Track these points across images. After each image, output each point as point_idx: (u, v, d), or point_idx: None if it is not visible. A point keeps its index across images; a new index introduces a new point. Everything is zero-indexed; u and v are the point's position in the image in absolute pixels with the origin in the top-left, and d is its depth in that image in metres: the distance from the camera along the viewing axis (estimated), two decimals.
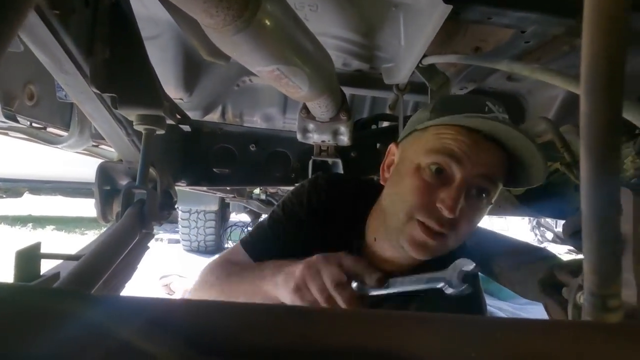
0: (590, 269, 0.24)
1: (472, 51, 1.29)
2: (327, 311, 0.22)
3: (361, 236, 1.00)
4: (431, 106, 0.88)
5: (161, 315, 0.20)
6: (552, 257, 0.87)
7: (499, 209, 1.74)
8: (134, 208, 0.77)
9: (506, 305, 3.76)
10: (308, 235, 1.02)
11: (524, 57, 1.25)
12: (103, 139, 1.59)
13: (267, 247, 1.04)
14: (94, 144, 1.60)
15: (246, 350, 0.20)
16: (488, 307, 1.44)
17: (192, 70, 1.57)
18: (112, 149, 1.88)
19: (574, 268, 0.70)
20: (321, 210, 1.05)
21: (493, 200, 0.85)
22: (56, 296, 0.19)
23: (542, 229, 7.58)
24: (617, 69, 0.20)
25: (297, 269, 0.79)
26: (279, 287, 0.82)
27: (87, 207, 6.80)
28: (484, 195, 0.81)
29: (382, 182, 0.96)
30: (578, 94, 0.60)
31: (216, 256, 1.15)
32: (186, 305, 0.22)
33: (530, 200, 1.48)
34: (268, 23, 0.70)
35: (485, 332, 0.22)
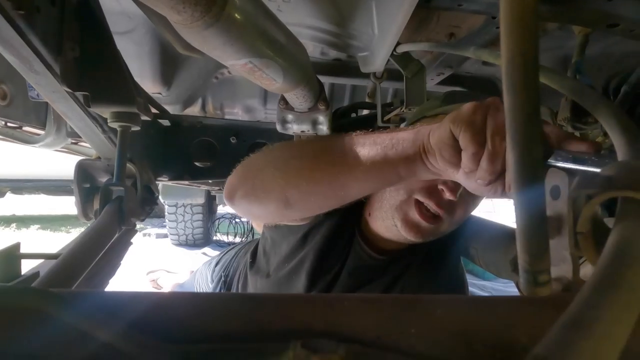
0: (522, 248, 0.27)
1: (447, 37, 1.31)
2: (275, 297, 0.24)
3: (359, 209, 1.03)
4: (442, 97, 0.90)
5: (121, 306, 0.22)
6: None
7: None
8: (112, 205, 0.77)
9: (490, 285, 3.85)
10: None
11: (496, 42, 1.27)
12: (80, 136, 1.58)
13: None
14: (73, 141, 1.59)
15: (200, 336, 0.21)
16: (471, 288, 1.48)
17: (169, 64, 1.56)
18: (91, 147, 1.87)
19: None
20: None
21: None
22: (20, 294, 0.20)
23: None
24: (533, 68, 0.22)
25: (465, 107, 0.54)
26: (433, 132, 0.57)
27: (72, 205, 6.70)
28: None
29: None
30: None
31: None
32: (150, 297, 0.23)
33: None
34: (237, 17, 0.71)
35: (426, 309, 0.24)
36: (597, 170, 0.35)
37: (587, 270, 0.30)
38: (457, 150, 0.53)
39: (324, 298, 0.24)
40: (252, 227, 5.27)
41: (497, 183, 0.53)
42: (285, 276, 1.04)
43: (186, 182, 1.62)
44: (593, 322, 0.16)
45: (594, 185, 0.24)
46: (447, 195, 0.80)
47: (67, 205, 7.01)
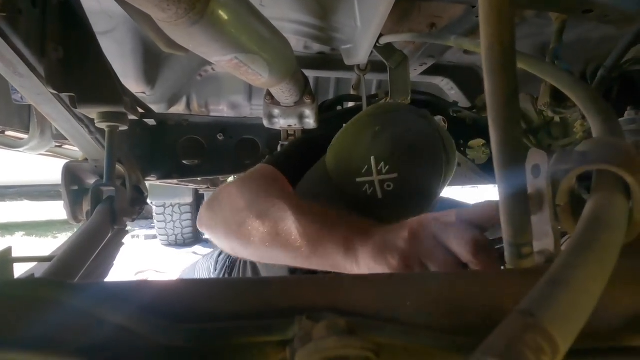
0: (505, 223, 0.28)
1: (428, 28, 1.33)
2: (279, 279, 0.26)
3: None
4: (376, 111, 0.93)
5: (132, 294, 0.23)
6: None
7: (465, 179, 1.81)
8: (104, 205, 0.77)
9: None
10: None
11: (476, 31, 1.29)
12: (66, 139, 1.56)
13: (295, 165, 0.97)
14: (57, 144, 1.57)
15: (209, 317, 0.23)
16: None
17: (152, 63, 1.55)
18: (77, 149, 1.84)
19: None
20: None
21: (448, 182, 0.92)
22: (42, 285, 0.21)
23: None
24: (510, 53, 0.24)
25: (399, 238, 0.57)
26: (366, 262, 0.60)
27: (57, 210, 6.59)
28: None
29: None
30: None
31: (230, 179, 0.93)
32: (156, 285, 0.24)
33: (491, 169, 1.55)
34: (221, 13, 0.71)
35: (419, 284, 0.26)
36: None
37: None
38: (405, 260, 0.55)
39: (324, 279, 0.26)
40: None
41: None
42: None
43: (175, 181, 1.61)
44: (571, 279, 0.18)
45: (571, 161, 0.25)
46: None
47: (52, 210, 6.89)
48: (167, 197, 4.17)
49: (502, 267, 0.42)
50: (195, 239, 5.07)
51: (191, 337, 0.21)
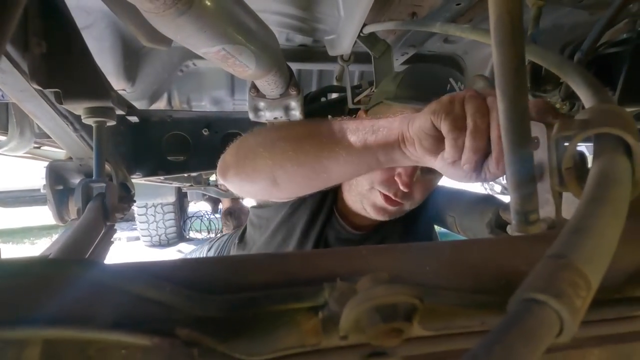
0: (513, 191, 0.30)
1: (409, 17, 1.34)
2: (298, 252, 0.26)
3: (338, 187, 1.06)
4: (398, 80, 0.93)
5: (162, 271, 0.23)
6: (496, 201, 0.96)
7: None
8: (95, 202, 0.76)
9: None
10: None
11: (457, 20, 1.32)
12: (45, 138, 1.52)
13: None
14: (35, 145, 1.53)
15: (238, 289, 0.23)
16: None
17: (131, 59, 1.52)
18: (57, 150, 1.80)
19: None
20: None
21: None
22: (77, 264, 0.21)
23: (490, 182, 8.05)
24: (518, 24, 0.25)
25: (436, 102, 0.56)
26: (413, 121, 0.58)
27: (34, 216, 6.41)
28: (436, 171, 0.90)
29: None
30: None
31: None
32: (184, 262, 0.25)
33: None
34: (209, 3, 0.71)
35: (435, 251, 0.27)
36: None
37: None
38: (437, 140, 0.55)
39: (342, 250, 0.27)
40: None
41: (481, 167, 0.55)
42: (274, 251, 1.06)
43: (161, 178, 1.59)
44: (592, 226, 0.19)
45: (574, 128, 0.27)
46: (401, 187, 0.86)
47: (28, 216, 6.69)
48: (149, 197, 4.10)
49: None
50: (180, 238, 5.01)
51: (224, 306, 0.22)
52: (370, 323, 0.19)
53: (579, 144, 0.28)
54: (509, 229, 0.81)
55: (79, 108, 0.79)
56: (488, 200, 0.99)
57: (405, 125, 0.59)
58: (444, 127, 0.52)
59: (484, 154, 0.53)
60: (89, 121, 0.81)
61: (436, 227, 1.22)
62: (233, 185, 0.84)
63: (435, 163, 0.60)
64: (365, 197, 0.95)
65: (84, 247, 0.64)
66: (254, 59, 0.93)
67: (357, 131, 0.64)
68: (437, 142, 0.55)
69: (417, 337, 0.21)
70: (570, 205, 0.34)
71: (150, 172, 1.43)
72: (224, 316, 0.21)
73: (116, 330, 0.20)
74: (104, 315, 0.21)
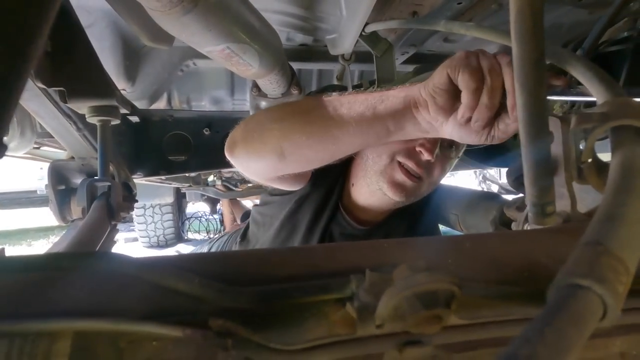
0: (530, 183, 0.30)
1: (410, 16, 1.35)
2: (322, 246, 0.26)
3: (344, 182, 1.06)
4: (412, 72, 0.94)
5: (189, 264, 0.23)
6: (500, 199, 0.97)
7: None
8: (100, 201, 0.76)
9: None
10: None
11: (457, 19, 1.32)
12: (44, 139, 1.51)
13: None
14: (35, 146, 1.52)
15: (266, 281, 0.23)
16: None
17: (132, 59, 1.51)
18: (56, 150, 1.79)
19: (520, 204, 0.79)
20: None
21: (460, 154, 0.94)
22: (106, 258, 0.21)
23: (487, 182, 8.08)
24: (539, 18, 0.25)
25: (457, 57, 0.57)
26: (426, 82, 0.59)
27: (30, 217, 6.38)
28: (453, 147, 0.90)
29: None
30: (509, 46, 0.66)
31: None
32: (209, 255, 0.25)
33: (476, 153, 1.59)
34: (214, 2, 0.71)
35: (456, 243, 0.27)
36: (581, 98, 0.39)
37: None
38: (452, 96, 0.55)
39: (365, 243, 0.27)
40: (222, 221, 5.21)
41: (490, 126, 0.56)
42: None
43: (163, 178, 1.59)
44: (622, 215, 0.20)
45: (593, 121, 0.27)
46: (425, 155, 0.87)
47: (24, 218, 6.66)
48: (147, 198, 4.09)
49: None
50: (178, 238, 5.00)
51: (253, 298, 0.22)
52: (411, 310, 0.19)
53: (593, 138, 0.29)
54: (513, 226, 0.81)
55: (83, 107, 0.79)
56: (491, 198, 0.99)
57: (416, 90, 0.60)
58: (462, 80, 0.52)
59: (495, 112, 0.53)
60: (94, 120, 0.81)
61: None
62: (240, 162, 0.84)
63: (446, 127, 0.60)
64: (384, 174, 0.93)
65: (90, 246, 0.64)
66: (257, 57, 0.93)
67: (366, 101, 0.65)
68: (451, 99, 0.56)
69: (450, 325, 0.21)
70: (581, 199, 0.35)
71: (152, 172, 1.43)
72: (253, 308, 0.21)
73: (147, 322, 0.20)
74: (132, 308, 0.21)
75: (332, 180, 1.05)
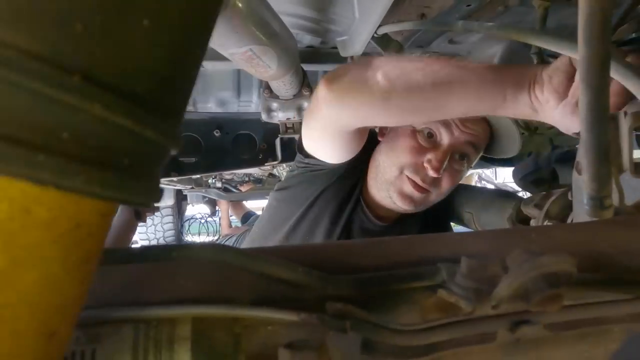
0: (589, 178, 0.32)
1: (418, 18, 1.37)
2: (399, 238, 0.28)
3: (366, 178, 1.07)
4: None
5: (285, 254, 0.24)
6: (515, 196, 0.99)
7: None
8: None
9: None
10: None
11: (465, 20, 1.34)
12: None
13: None
14: None
15: (357, 269, 0.24)
16: None
17: None
18: None
19: (538, 202, 0.80)
20: None
21: (473, 165, 0.96)
22: (222, 250, 0.22)
23: (483, 182, 8.15)
24: (608, 22, 0.27)
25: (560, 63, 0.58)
26: (548, 66, 0.60)
27: None
28: (465, 159, 0.92)
29: (379, 138, 1.03)
30: (532, 44, 0.68)
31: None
32: (299, 247, 0.26)
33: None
34: (241, 5, 0.72)
35: (522, 235, 0.29)
36: None
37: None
38: (567, 79, 0.55)
39: (437, 235, 0.28)
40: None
41: None
42: (300, 240, 1.05)
43: (175, 180, 1.60)
44: None
45: None
46: (430, 172, 0.88)
47: None
48: None
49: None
50: (178, 241, 4.98)
51: (353, 285, 0.23)
52: (536, 290, 0.20)
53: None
54: (532, 223, 0.82)
55: None
56: (506, 196, 1.01)
57: (539, 68, 0.61)
58: None
59: None
60: None
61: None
62: (336, 96, 0.78)
63: (555, 112, 0.59)
64: (393, 185, 0.96)
65: (123, 246, 0.65)
66: (276, 59, 0.94)
67: (491, 67, 0.66)
68: (566, 81, 0.56)
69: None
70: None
71: (164, 174, 1.43)
72: (354, 294, 0.23)
73: (262, 308, 0.21)
74: (241, 296, 0.22)
75: (356, 175, 1.06)
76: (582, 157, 0.32)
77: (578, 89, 0.53)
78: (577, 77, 0.52)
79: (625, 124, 0.32)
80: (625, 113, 0.32)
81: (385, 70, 0.71)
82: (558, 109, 0.58)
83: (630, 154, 0.32)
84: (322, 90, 0.79)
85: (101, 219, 0.14)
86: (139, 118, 0.13)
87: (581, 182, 0.41)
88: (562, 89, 0.57)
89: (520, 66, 0.64)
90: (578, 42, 0.28)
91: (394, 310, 0.23)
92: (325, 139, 0.95)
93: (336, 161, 1.02)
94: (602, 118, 0.29)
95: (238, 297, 0.22)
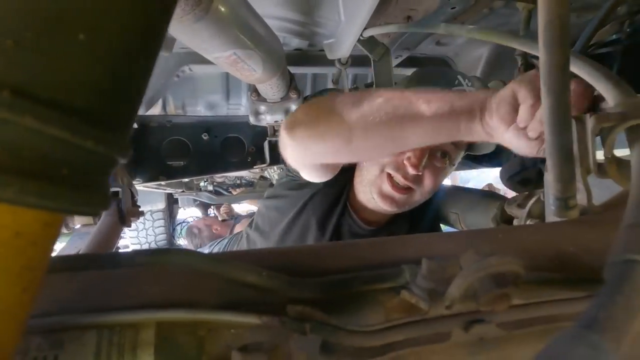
0: (554, 179, 0.32)
1: (404, 20, 1.38)
2: (367, 240, 0.28)
3: (352, 184, 1.08)
4: (408, 79, 0.97)
5: (251, 259, 0.25)
6: (499, 196, 1.00)
7: None
8: (112, 206, 0.77)
9: None
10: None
11: (450, 22, 1.36)
12: None
13: None
14: None
15: (322, 272, 0.25)
16: None
17: None
18: None
19: (521, 202, 0.81)
20: None
21: (455, 162, 0.97)
22: (182, 254, 0.23)
23: (469, 184, 8.22)
24: (566, 28, 0.27)
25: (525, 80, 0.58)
26: (497, 92, 0.62)
27: None
28: (446, 157, 0.93)
29: None
30: (513, 47, 0.69)
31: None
32: (268, 251, 0.26)
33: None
34: (223, 9, 0.72)
35: (489, 236, 0.29)
36: None
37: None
38: (513, 109, 0.58)
39: (407, 237, 0.29)
40: None
41: (543, 141, 0.56)
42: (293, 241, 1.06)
43: (163, 183, 1.59)
44: None
45: (613, 120, 0.29)
46: (410, 170, 0.89)
47: None
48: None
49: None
50: (170, 245, 4.95)
51: (317, 288, 0.23)
52: (484, 290, 0.21)
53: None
54: (515, 223, 0.83)
55: None
56: (490, 196, 1.02)
57: (489, 95, 0.63)
58: (522, 94, 0.55)
59: None
60: None
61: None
62: (299, 142, 0.81)
63: (505, 135, 0.62)
64: (374, 185, 0.97)
65: (107, 250, 0.65)
66: (261, 63, 0.95)
67: (444, 97, 0.67)
68: (512, 111, 0.58)
69: (511, 305, 0.23)
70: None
71: (151, 178, 1.43)
72: (317, 297, 0.23)
73: (225, 312, 0.21)
74: (207, 300, 0.22)
75: (343, 180, 1.07)
76: (547, 158, 0.32)
77: (526, 112, 0.56)
78: (522, 105, 0.55)
79: (589, 126, 0.33)
80: (590, 115, 0.33)
81: (343, 113, 0.73)
82: (508, 133, 0.61)
83: (593, 154, 0.33)
84: (284, 137, 0.81)
85: (45, 228, 0.15)
86: (77, 130, 0.13)
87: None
88: (508, 118, 0.59)
89: (470, 95, 0.67)
90: (539, 48, 0.29)
91: (358, 311, 0.23)
92: (301, 169, 0.97)
93: (317, 181, 1.04)
94: (563, 120, 0.30)
95: (203, 301, 0.22)
